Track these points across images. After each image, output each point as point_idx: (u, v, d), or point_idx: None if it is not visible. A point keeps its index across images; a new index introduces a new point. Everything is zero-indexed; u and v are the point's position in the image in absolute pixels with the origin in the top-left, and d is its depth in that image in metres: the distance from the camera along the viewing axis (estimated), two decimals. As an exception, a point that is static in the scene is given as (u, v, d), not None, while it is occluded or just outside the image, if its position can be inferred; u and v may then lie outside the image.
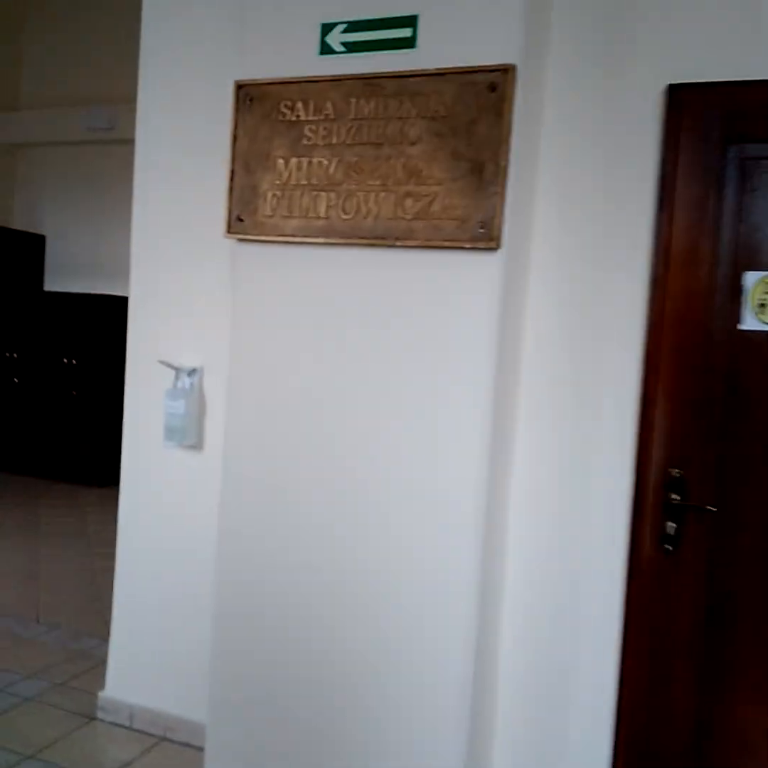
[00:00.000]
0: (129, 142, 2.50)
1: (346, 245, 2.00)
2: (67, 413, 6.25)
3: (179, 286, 2.47)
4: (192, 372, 2.45)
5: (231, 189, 2.13)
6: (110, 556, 2.63)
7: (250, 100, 2.09)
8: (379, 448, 1.99)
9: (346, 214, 1.99)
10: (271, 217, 2.08)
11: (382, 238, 1.95)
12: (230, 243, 2.21)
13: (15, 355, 6.39)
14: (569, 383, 2.05)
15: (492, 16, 1.82)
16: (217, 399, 2.41)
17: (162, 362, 2.43)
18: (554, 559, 2.08)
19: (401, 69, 1.91)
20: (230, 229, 2.15)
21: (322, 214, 2.01)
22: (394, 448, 1.98)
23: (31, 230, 6.99)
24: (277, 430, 2.13)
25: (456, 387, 1.91)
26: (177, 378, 2.45)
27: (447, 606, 1.93)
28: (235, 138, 2.12)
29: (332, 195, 2.00)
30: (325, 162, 2.01)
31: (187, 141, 2.42)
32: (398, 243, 1.93)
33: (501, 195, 1.82)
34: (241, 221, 2.12)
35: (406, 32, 1.91)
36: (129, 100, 2.47)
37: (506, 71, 1.80)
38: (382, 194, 1.94)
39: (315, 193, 2.02)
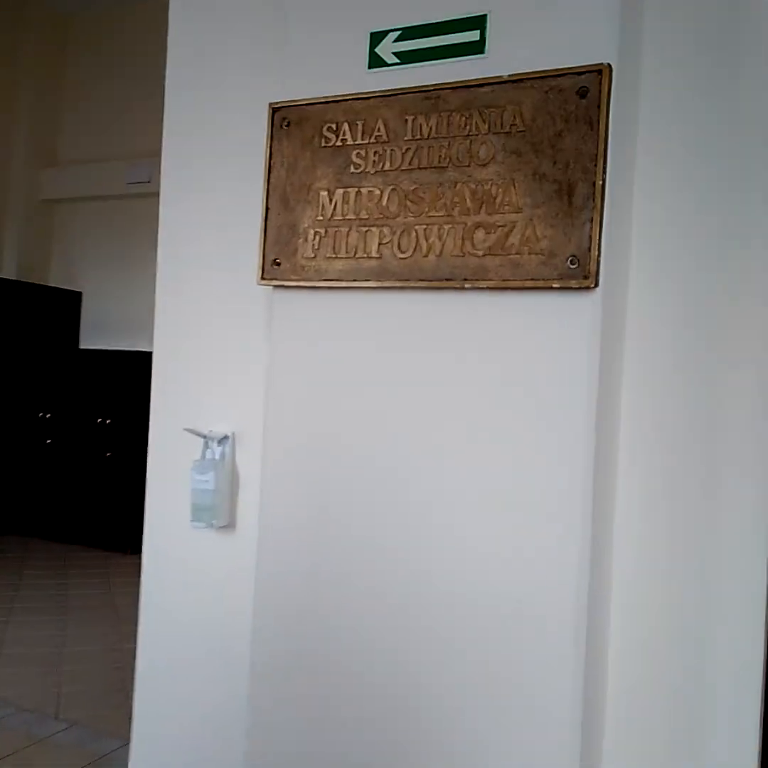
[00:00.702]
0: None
1: (403, 288, 1.66)
2: (101, 475, 5.97)
3: (208, 343, 2.15)
4: (223, 440, 2.11)
5: (265, 229, 1.83)
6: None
7: (287, 124, 1.79)
8: (451, 540, 1.62)
9: (402, 251, 1.66)
10: (313, 258, 1.76)
11: (448, 280, 1.61)
12: (265, 291, 1.90)
13: (48, 416, 6.17)
14: (679, 464, 1.62)
15: (579, 6, 1.50)
16: (252, 471, 2.06)
17: (188, 430, 2.10)
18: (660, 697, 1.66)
19: (468, 78, 1.59)
20: (265, 275, 1.83)
21: (373, 253, 1.68)
22: (469, 544, 1.61)
23: (68, 287, 6.85)
24: (323, 508, 1.77)
25: (546, 463, 1.54)
26: (205, 447, 2.12)
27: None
28: (269, 169, 1.82)
29: (385, 230, 1.67)
30: (377, 192, 1.69)
31: (214, 181, 2.13)
32: (468, 284, 1.59)
33: (597, 222, 1.47)
34: (278, 265, 1.81)
35: (472, 35, 1.60)
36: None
37: (600, 72, 1.47)
38: (447, 227, 1.61)
39: (365, 228, 1.70)
